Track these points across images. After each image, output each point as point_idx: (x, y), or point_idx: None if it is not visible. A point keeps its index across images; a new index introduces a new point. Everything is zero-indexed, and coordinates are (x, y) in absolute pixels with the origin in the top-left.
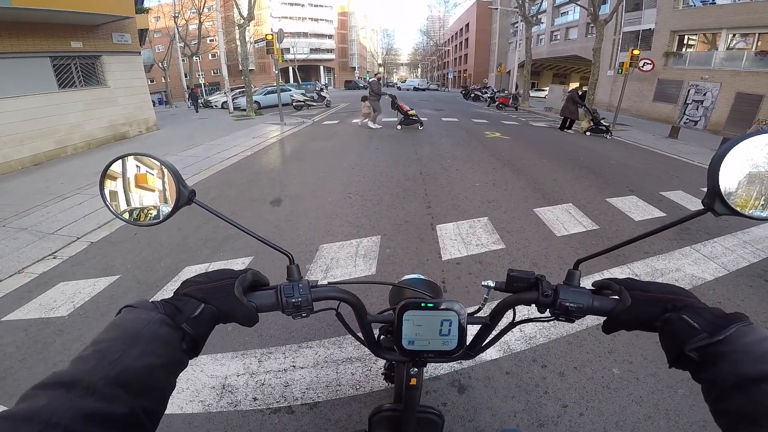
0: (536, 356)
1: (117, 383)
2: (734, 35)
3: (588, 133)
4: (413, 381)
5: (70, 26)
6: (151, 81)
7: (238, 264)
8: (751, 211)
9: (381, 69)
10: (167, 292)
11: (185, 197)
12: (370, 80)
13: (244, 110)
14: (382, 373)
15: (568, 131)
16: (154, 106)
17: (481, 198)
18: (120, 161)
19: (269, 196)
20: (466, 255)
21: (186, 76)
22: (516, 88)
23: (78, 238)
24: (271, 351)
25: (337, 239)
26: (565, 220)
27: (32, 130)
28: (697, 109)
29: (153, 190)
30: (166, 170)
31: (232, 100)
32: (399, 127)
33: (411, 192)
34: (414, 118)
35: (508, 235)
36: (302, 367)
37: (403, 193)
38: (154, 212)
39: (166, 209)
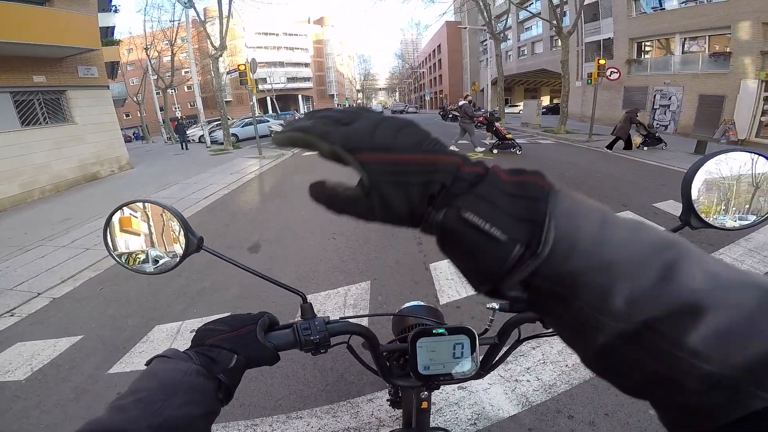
0: (560, 407)
1: None
2: (686, 39)
3: (645, 148)
4: (424, 404)
5: (31, 59)
6: (127, 116)
7: None
8: (717, 218)
9: (360, 95)
10: (135, 354)
11: (194, 245)
12: (462, 103)
13: (222, 144)
14: (388, 400)
15: (613, 152)
16: (130, 141)
17: None
18: (125, 208)
19: (247, 242)
20: (466, 296)
21: (162, 110)
22: (490, 108)
23: (39, 294)
24: (256, 423)
25: (323, 288)
26: None
27: None
28: (665, 114)
29: (160, 238)
30: (173, 217)
31: (209, 133)
32: (494, 151)
33: (400, 228)
34: (510, 141)
35: None
36: None
37: (392, 229)
38: (162, 260)
39: (175, 257)
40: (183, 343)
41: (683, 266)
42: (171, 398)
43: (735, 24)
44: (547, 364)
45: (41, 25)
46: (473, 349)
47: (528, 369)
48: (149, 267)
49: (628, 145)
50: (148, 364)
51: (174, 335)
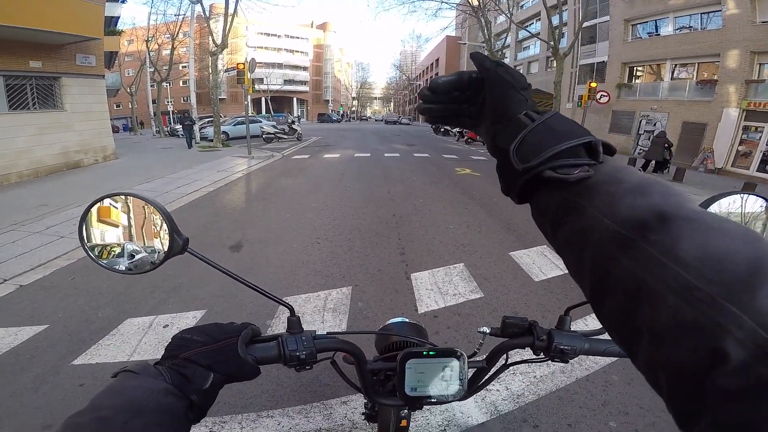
0: (526, 416)
1: None
2: (676, 66)
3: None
4: (404, 422)
5: (30, 44)
6: (117, 106)
7: (189, 318)
8: None
9: (355, 102)
10: (102, 347)
11: (179, 246)
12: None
13: (212, 141)
14: (363, 413)
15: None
16: (117, 131)
17: (456, 242)
18: (107, 199)
19: (229, 240)
20: (444, 306)
21: (154, 102)
22: None
23: (5, 281)
24: (225, 420)
25: (303, 291)
26: (542, 264)
27: None
28: (648, 139)
29: (142, 236)
30: (158, 214)
31: (200, 129)
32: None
33: (384, 236)
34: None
35: (485, 282)
36: None
37: (376, 237)
38: (141, 260)
39: (157, 257)
40: (154, 338)
41: (681, 196)
42: (135, 419)
43: (724, 52)
44: (516, 375)
45: (48, 11)
46: (461, 373)
47: (498, 378)
48: (124, 262)
49: (661, 167)
50: (114, 376)
51: (145, 329)
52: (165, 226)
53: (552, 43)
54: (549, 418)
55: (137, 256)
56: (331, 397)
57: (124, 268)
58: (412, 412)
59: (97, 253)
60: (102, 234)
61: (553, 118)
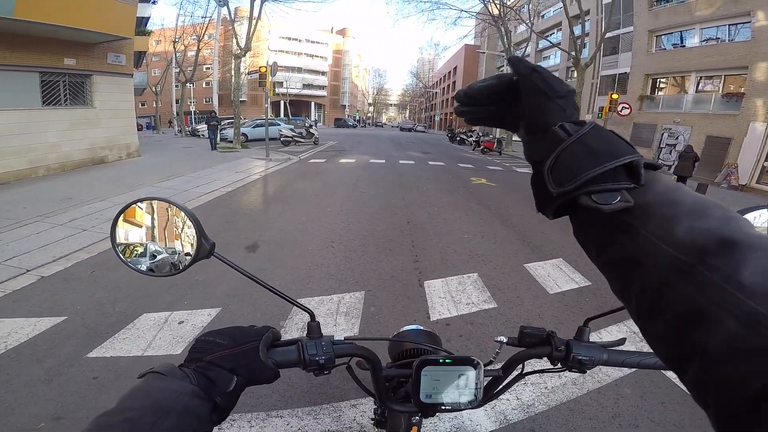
0: (535, 426)
1: None
2: (701, 78)
3: None
4: (414, 429)
5: (65, 42)
6: (142, 104)
7: (204, 315)
8: None
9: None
10: (118, 340)
11: (206, 250)
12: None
13: (231, 142)
14: (372, 419)
15: None
16: (141, 130)
17: (470, 251)
18: (140, 204)
19: (246, 241)
20: (456, 315)
21: (177, 102)
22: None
23: (28, 271)
24: (234, 419)
25: (317, 293)
26: (556, 276)
27: (6, 147)
28: (670, 153)
29: (172, 239)
30: (187, 219)
31: (220, 130)
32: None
33: (397, 243)
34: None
35: (499, 292)
36: None
37: (390, 243)
38: (170, 263)
39: (184, 260)
40: (169, 333)
41: (740, 219)
42: (162, 420)
43: (753, 65)
44: (527, 385)
45: (85, 10)
46: (477, 381)
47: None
48: (146, 262)
49: (682, 182)
50: (141, 377)
51: (161, 325)
52: (188, 231)
53: (573, 53)
54: (558, 429)
55: (158, 257)
56: (340, 399)
57: (145, 269)
58: (423, 419)
59: (121, 251)
60: (126, 234)
61: (591, 132)
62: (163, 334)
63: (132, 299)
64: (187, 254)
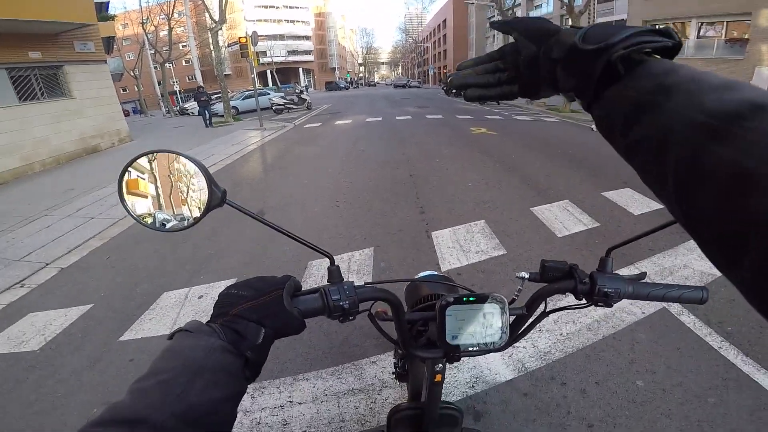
0: (554, 374)
1: (186, 420)
2: (702, 24)
3: None
4: (438, 377)
5: (26, 36)
6: (124, 90)
7: (222, 287)
8: None
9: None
10: (145, 321)
11: (218, 198)
12: None
13: (222, 116)
14: (393, 372)
15: None
16: (128, 115)
17: (475, 199)
18: (143, 158)
19: (251, 209)
20: (467, 264)
21: (159, 84)
22: None
23: (47, 264)
24: (264, 385)
25: None
26: (564, 218)
27: None
28: None
29: (181, 191)
30: (195, 168)
31: (211, 105)
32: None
33: (402, 197)
34: None
35: (507, 238)
36: (300, 403)
37: (394, 198)
38: (181, 216)
39: (196, 212)
40: (191, 309)
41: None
42: (195, 380)
43: (756, 11)
44: (543, 332)
45: (35, 1)
46: (503, 319)
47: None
48: (163, 220)
49: None
50: (170, 338)
51: (182, 302)
52: (197, 184)
53: (566, 0)
54: (576, 375)
55: (168, 225)
56: (360, 357)
57: (158, 224)
58: (447, 366)
59: (140, 217)
60: (132, 204)
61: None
62: (186, 311)
63: (151, 279)
64: (199, 206)
